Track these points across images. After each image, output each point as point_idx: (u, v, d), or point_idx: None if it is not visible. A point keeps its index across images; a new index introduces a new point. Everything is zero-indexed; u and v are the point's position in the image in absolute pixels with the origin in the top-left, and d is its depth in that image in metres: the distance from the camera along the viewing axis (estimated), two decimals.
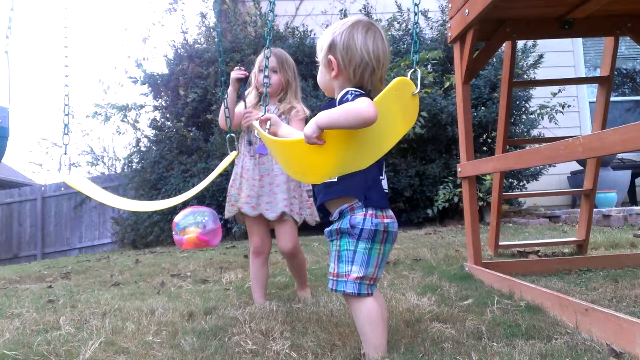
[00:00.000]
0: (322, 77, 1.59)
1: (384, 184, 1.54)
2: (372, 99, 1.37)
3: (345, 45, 1.47)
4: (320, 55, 1.56)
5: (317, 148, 1.37)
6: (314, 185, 1.71)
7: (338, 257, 1.49)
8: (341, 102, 1.44)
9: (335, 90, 1.55)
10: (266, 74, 1.94)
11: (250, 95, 2.42)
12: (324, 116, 1.36)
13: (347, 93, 1.44)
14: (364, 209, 1.47)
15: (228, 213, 2.39)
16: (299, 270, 2.50)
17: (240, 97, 2.39)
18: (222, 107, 2.28)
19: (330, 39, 1.50)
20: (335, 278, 1.49)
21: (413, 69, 1.47)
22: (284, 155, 1.61)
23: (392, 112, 1.43)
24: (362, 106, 1.32)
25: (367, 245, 1.46)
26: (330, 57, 1.50)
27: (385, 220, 1.49)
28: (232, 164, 2.36)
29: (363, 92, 1.46)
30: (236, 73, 2.34)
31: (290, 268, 2.55)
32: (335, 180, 1.49)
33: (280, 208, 2.29)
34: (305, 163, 1.50)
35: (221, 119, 2.32)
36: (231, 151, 2.28)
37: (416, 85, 1.42)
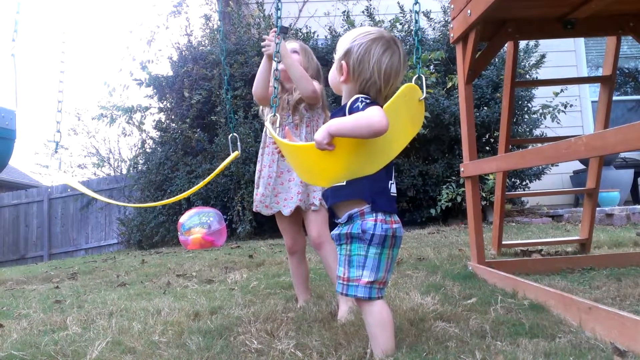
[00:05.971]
0: (333, 76, 1.60)
1: (393, 188, 1.55)
2: (381, 106, 1.39)
3: (359, 57, 1.48)
4: (336, 55, 1.57)
5: (327, 153, 1.39)
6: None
7: (349, 261, 1.49)
8: (352, 109, 1.44)
9: (344, 94, 1.57)
10: (275, 85, 1.88)
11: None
12: (336, 124, 1.38)
13: (357, 100, 1.44)
14: (374, 214, 1.47)
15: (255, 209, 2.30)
16: (328, 266, 2.24)
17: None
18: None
19: (348, 45, 1.51)
20: (345, 282, 1.49)
21: (417, 75, 1.51)
22: (294, 157, 1.63)
23: (401, 118, 1.46)
24: (374, 118, 1.34)
25: (377, 250, 1.47)
26: (343, 62, 1.52)
27: (394, 226, 1.50)
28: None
29: (374, 100, 1.46)
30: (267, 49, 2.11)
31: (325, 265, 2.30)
32: (344, 183, 1.50)
33: (294, 202, 2.19)
34: (315, 167, 1.53)
35: (255, 87, 2.22)
36: (233, 151, 2.29)
37: (422, 91, 1.49)
